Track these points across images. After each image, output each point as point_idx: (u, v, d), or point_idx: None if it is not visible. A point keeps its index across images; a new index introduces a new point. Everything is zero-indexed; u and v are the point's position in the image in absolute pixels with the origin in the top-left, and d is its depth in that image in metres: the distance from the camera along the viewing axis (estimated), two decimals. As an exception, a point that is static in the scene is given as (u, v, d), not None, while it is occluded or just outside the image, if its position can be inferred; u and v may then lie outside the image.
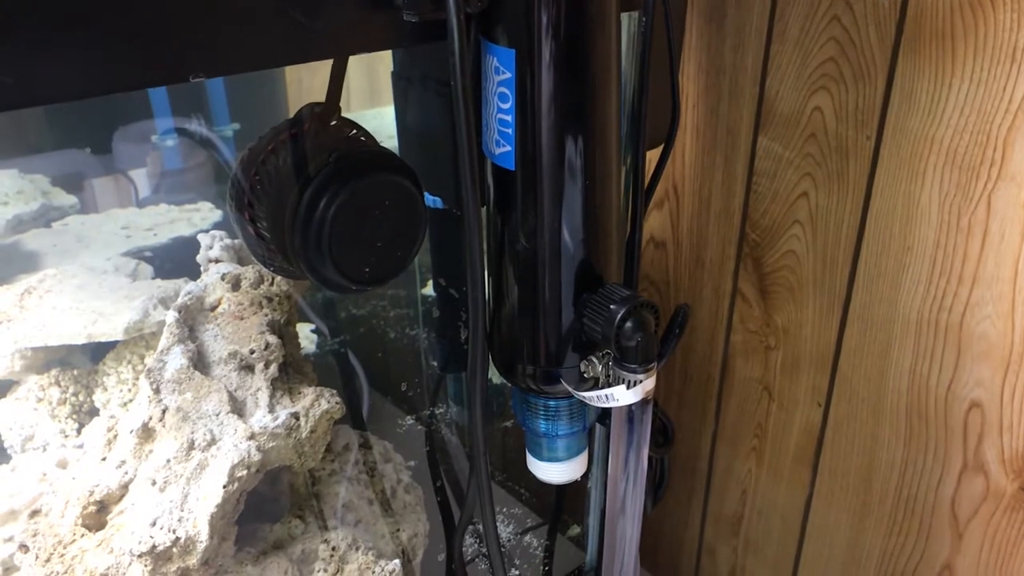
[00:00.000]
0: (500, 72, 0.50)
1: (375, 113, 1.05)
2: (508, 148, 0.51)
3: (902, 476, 0.84)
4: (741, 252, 0.92)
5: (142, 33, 0.41)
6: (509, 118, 0.51)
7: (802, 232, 0.86)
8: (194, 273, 0.80)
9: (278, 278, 0.69)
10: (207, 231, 0.98)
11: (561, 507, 0.99)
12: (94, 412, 0.74)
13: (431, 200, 0.65)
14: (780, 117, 0.84)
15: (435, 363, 0.74)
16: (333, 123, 0.55)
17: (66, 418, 0.72)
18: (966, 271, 0.74)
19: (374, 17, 0.48)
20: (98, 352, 0.77)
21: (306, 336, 0.87)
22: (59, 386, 0.72)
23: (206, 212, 0.99)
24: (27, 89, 0.39)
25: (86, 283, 0.76)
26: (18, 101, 0.38)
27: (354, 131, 0.56)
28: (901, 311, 0.80)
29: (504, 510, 0.99)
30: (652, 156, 0.70)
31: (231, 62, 0.44)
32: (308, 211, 0.52)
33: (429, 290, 0.86)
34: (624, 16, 0.56)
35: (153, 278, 0.85)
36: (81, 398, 0.72)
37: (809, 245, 0.85)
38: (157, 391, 0.61)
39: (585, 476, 0.68)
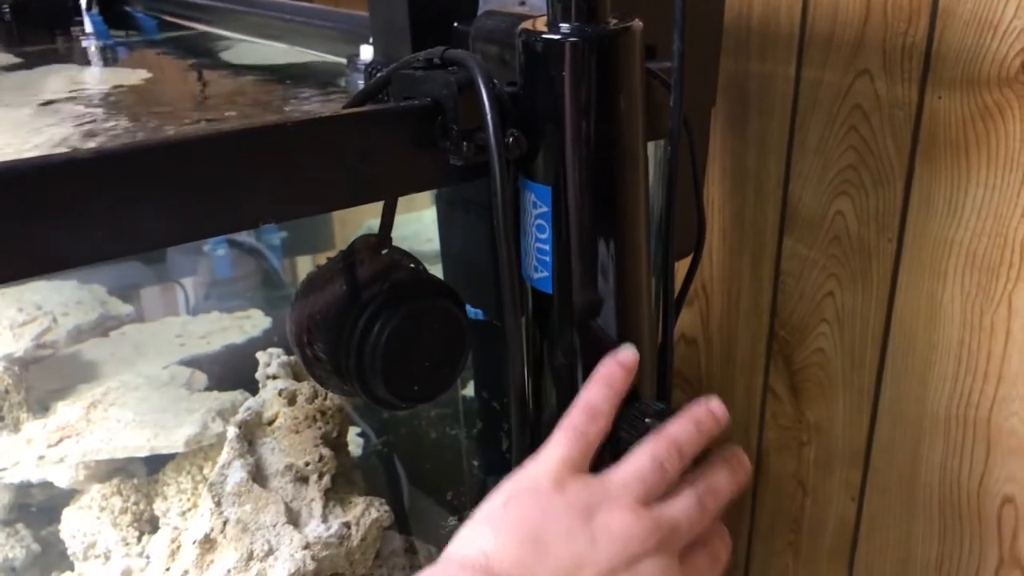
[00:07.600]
0: (537, 206, 0.54)
1: (415, 217, 1.10)
2: (546, 274, 0.55)
3: (938, 572, 0.85)
4: (771, 349, 0.95)
5: (221, 188, 0.45)
6: (547, 247, 0.54)
7: (829, 330, 0.88)
8: (247, 382, 0.84)
9: (331, 393, 0.73)
10: (257, 338, 1.02)
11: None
12: (154, 520, 0.77)
13: (472, 312, 0.69)
14: (804, 220, 0.87)
15: (477, 464, 0.76)
16: (384, 251, 0.59)
17: (127, 526, 0.75)
18: (991, 369, 0.76)
19: (421, 160, 0.53)
20: (153, 460, 0.80)
21: (352, 440, 0.91)
22: (121, 495, 0.76)
23: (257, 319, 1.04)
24: (116, 241, 0.43)
25: (147, 395, 0.81)
26: (112, 253, 0.43)
27: (403, 258, 0.60)
28: (929, 407, 0.81)
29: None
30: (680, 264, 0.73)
31: (295, 208, 0.49)
32: (363, 335, 0.56)
33: (468, 391, 0.89)
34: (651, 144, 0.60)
35: (207, 387, 0.89)
36: (142, 507, 0.76)
37: (837, 343, 0.88)
38: (219, 503, 0.64)
39: None
